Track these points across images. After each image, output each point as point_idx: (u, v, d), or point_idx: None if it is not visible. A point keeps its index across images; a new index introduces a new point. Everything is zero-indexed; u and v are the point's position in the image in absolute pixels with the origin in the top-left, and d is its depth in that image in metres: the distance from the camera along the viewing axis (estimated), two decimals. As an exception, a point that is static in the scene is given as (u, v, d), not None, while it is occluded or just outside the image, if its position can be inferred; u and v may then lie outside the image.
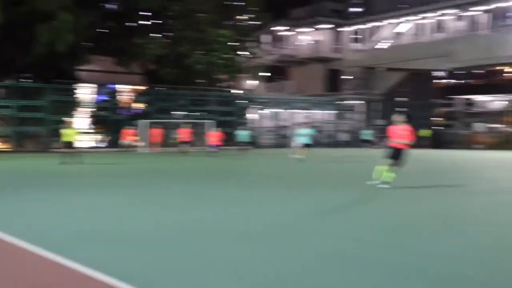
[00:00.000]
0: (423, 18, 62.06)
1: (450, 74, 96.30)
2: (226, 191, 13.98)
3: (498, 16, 56.78)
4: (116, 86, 44.63)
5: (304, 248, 7.05)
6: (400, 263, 6.33)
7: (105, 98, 44.42)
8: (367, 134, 50.57)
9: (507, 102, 59.24)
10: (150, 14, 46.52)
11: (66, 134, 24.76)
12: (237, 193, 13.63)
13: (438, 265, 6.24)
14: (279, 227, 8.65)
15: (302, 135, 27.10)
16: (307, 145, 26.83)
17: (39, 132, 39.35)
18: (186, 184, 15.75)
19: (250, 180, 18.05)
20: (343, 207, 11.23)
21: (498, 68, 65.46)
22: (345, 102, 59.41)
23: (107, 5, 49.91)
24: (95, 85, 45.44)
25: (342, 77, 68.83)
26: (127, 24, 46.21)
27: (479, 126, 57.71)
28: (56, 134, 40.25)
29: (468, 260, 6.53)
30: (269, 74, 69.20)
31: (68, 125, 25.89)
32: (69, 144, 24.54)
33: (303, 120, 51.67)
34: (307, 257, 6.55)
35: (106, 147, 42.52)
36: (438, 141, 54.41)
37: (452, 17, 59.21)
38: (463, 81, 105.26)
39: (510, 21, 59.92)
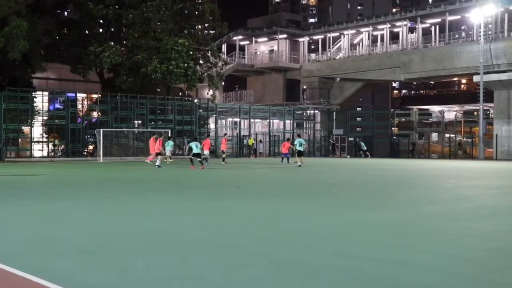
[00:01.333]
0: (377, 29, 63.19)
1: (407, 85, 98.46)
2: (188, 202, 13.75)
3: (450, 28, 58.28)
4: (73, 94, 43.78)
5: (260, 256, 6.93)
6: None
7: (61, 106, 43.51)
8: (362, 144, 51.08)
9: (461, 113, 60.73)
10: (105, 22, 45.94)
11: None
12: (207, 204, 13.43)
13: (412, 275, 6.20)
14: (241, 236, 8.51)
15: (297, 144, 30.82)
16: (300, 153, 30.46)
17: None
18: (151, 193, 15.45)
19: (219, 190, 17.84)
20: (304, 213, 11.16)
21: (452, 79, 67.17)
22: (304, 111, 59.79)
23: (63, 13, 49.16)
24: (50, 93, 44.51)
25: (301, 87, 69.39)
26: (82, 32, 45.48)
27: (434, 136, 58.93)
28: (9, 143, 39.49)
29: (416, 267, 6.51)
30: (227, 83, 69.25)
31: None
32: None
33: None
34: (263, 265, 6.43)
35: (61, 156, 41.60)
36: (394, 150, 55.30)
37: (405, 29, 60.43)
38: (418, 92, 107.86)
39: (462, 33, 61.66)
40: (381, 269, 6.25)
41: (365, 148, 50.60)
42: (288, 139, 41.91)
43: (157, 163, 28.77)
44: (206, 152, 30.13)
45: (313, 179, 21.98)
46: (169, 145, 31.67)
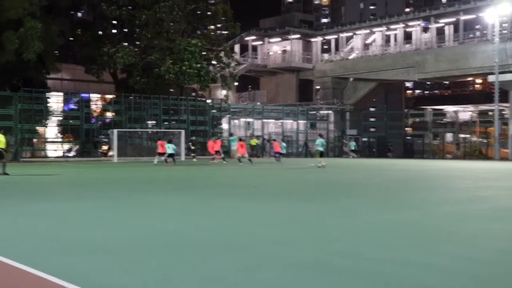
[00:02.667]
0: (391, 29, 62.90)
1: (420, 85, 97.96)
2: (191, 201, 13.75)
3: (464, 28, 57.89)
4: (87, 94, 44.03)
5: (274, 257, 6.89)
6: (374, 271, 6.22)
7: (75, 107, 43.78)
8: (352, 144, 50.97)
9: (475, 113, 60.25)
10: (119, 22, 46.15)
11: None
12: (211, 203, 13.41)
13: (419, 275, 6.14)
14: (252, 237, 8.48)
15: (318, 145, 30.68)
16: (321, 153, 30.27)
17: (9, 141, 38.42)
18: (165, 193, 15.47)
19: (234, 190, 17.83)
20: (320, 215, 11.11)
21: (466, 79, 66.68)
22: (317, 112, 59.66)
23: (76, 14, 49.46)
24: (64, 94, 44.82)
25: (314, 87, 69.30)
26: (96, 32, 45.73)
27: (448, 136, 58.51)
28: (25, 143, 39.78)
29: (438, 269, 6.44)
30: (240, 83, 69.29)
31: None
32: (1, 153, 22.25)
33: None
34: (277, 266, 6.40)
35: (75, 156, 41.82)
36: (408, 151, 54.98)
37: (419, 28, 60.11)
38: (432, 92, 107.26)
39: (476, 33, 61.20)
40: (396, 270, 6.19)
41: (353, 148, 50.48)
42: (274, 140, 43.92)
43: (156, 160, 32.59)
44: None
45: (327, 180, 21.90)
46: (171, 148, 32.50)
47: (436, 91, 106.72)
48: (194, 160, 37.68)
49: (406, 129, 63.72)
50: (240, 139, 37.60)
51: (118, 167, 30.41)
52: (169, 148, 32.51)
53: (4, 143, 22.24)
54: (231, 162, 33.25)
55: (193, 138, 39.93)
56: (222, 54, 49.59)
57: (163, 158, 32.59)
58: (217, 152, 35.55)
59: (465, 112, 64.89)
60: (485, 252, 7.28)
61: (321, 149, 30.43)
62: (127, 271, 6.11)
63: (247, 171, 27.66)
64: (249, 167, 30.54)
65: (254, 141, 48.25)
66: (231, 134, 46.76)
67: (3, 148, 22.13)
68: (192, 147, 39.50)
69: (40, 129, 41.42)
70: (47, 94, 41.48)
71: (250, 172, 27.02)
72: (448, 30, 59.43)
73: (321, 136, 33.86)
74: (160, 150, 33.07)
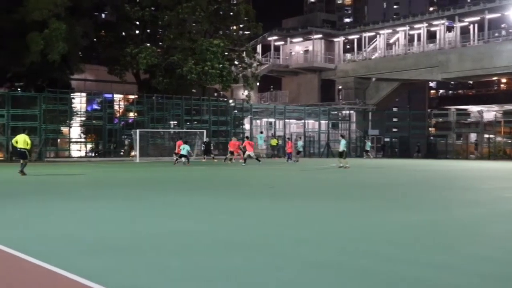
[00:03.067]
0: (414, 28, 62.36)
1: (444, 85, 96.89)
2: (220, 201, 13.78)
3: (489, 26, 57.15)
4: (110, 95, 44.41)
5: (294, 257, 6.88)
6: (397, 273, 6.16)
7: (98, 107, 44.19)
8: (368, 144, 50.71)
9: (500, 113, 59.38)
10: (141, 23, 46.46)
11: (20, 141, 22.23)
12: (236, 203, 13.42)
13: (430, 276, 6.07)
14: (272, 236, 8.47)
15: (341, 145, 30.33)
16: (341, 154, 29.82)
17: (33, 141, 38.91)
18: (185, 193, 15.54)
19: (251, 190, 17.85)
20: (341, 215, 11.06)
21: (491, 79, 65.81)
22: (339, 112, 59.40)
23: (100, 15, 49.89)
24: (88, 94, 45.27)
25: (336, 87, 69.01)
26: (119, 33, 46.09)
27: (472, 136, 57.80)
28: (49, 143, 40.27)
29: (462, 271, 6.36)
30: (262, 84, 69.27)
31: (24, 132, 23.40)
32: (23, 152, 22.16)
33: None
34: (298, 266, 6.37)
35: (97, 156, 42.21)
36: (432, 151, 54.45)
37: (443, 28, 59.50)
38: (456, 92, 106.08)
39: (501, 32, 60.37)
40: (417, 272, 6.14)
41: (368, 148, 50.09)
42: (288, 139, 43.68)
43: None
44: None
45: (348, 180, 21.78)
46: (185, 149, 32.73)
47: (460, 91, 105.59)
48: (204, 160, 37.34)
49: (430, 129, 63.11)
50: (247, 138, 37.43)
51: (140, 167, 30.61)
52: (183, 150, 32.75)
53: (28, 143, 22.32)
54: (248, 162, 33.08)
55: (207, 139, 39.69)
56: (244, 54, 49.64)
57: (177, 158, 33.06)
58: (231, 152, 35.41)
59: (490, 112, 63.97)
60: (509, 254, 7.19)
61: (343, 149, 30.05)
62: (148, 270, 6.14)
63: (265, 171, 27.65)
64: (261, 166, 30.50)
65: (274, 141, 48.16)
66: (261, 132, 46.87)
67: (27, 148, 22.24)
68: (208, 148, 39.03)
69: (64, 129, 41.88)
70: (71, 94, 41.91)
71: (267, 172, 27.00)
72: (473, 29, 58.72)
73: (343, 137, 33.44)
74: (177, 150, 33.65)
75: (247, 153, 32.84)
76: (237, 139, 38.23)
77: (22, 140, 22.08)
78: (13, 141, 22.99)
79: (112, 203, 12.74)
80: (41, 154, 38.30)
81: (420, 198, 14.63)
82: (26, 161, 22.05)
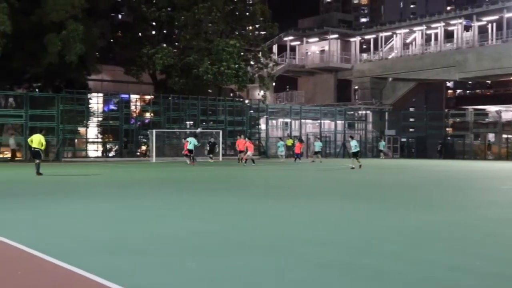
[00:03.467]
0: (431, 28, 61.91)
1: (461, 84, 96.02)
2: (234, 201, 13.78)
3: (508, 25, 56.53)
4: (126, 95, 44.67)
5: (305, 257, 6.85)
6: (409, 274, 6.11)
7: (115, 107, 44.46)
8: (381, 144, 50.46)
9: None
10: (158, 24, 46.67)
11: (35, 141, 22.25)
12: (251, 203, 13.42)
13: (440, 276, 6.01)
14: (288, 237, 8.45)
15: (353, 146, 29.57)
16: (355, 154, 29.26)
17: (50, 142, 39.31)
18: (199, 193, 15.57)
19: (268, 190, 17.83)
20: (356, 216, 11.00)
21: (509, 78, 65.08)
22: (355, 112, 59.17)
23: (117, 16, 50.22)
24: (105, 95, 45.58)
25: (352, 87, 68.75)
26: (135, 34, 46.33)
27: (490, 136, 57.23)
28: (66, 143, 40.60)
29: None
30: (278, 84, 69.19)
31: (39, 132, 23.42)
32: (37, 152, 22.22)
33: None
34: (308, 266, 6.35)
35: (114, 156, 42.46)
36: (449, 152, 54.02)
37: (460, 27, 58.97)
38: (474, 91, 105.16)
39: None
40: (433, 273, 6.08)
41: (382, 148, 49.75)
42: (301, 140, 43.47)
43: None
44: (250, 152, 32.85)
45: (364, 181, 21.67)
46: (191, 143, 32.48)
47: (478, 91, 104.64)
48: (211, 160, 36.54)
49: (447, 129, 62.61)
50: (249, 138, 36.79)
51: (156, 167, 30.74)
52: (190, 144, 32.27)
53: (43, 144, 22.34)
54: (267, 162, 33.10)
55: (211, 139, 39.57)
56: (260, 54, 49.65)
57: (192, 157, 32.66)
58: (240, 152, 35.09)
59: (508, 112, 63.33)
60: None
61: (355, 150, 29.40)
62: (164, 270, 6.16)
63: (280, 171, 27.62)
64: (284, 166, 30.46)
65: (290, 142, 48.12)
66: (280, 138, 46.50)
67: (41, 148, 22.30)
68: (212, 148, 38.42)
69: (81, 129, 42.20)
70: (88, 95, 42.21)
71: (283, 172, 26.97)
72: (491, 28, 58.14)
73: (352, 137, 32.61)
74: (185, 151, 33.35)
75: (248, 153, 32.43)
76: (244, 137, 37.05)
77: (37, 140, 22.17)
78: (29, 140, 23.22)
79: (128, 203, 12.81)
80: (58, 154, 38.62)
81: (438, 199, 14.51)
82: (40, 161, 22.17)
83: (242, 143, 35.09)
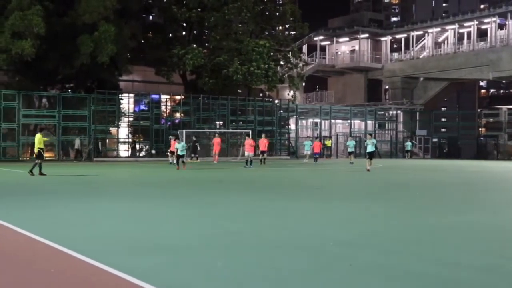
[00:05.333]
0: (464, 27, 61.00)
1: (495, 84, 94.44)
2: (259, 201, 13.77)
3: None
4: (157, 96, 45.03)
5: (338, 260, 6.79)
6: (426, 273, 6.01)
7: (146, 108, 44.85)
8: (408, 144, 49.99)
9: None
10: (188, 25, 46.91)
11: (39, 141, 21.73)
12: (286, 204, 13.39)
13: (463, 276, 5.90)
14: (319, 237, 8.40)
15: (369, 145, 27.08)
16: (370, 155, 26.85)
17: (82, 141, 39.91)
18: (227, 194, 15.61)
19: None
20: (380, 216, 10.89)
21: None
22: (386, 112, 58.64)
23: (148, 17, 50.65)
24: (136, 95, 46.00)
25: (383, 87, 68.13)
26: (166, 35, 46.63)
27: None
28: (98, 143, 41.11)
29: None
30: (308, 84, 68.99)
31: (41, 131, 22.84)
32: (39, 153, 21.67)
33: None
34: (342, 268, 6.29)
35: (145, 156, 42.80)
36: (482, 152, 53.18)
37: (494, 25, 57.95)
38: (508, 91, 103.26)
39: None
40: (467, 275, 5.98)
41: (409, 148, 49.08)
42: (317, 138, 43.09)
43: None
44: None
45: (393, 181, 21.46)
46: (181, 146, 28.03)
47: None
48: (190, 160, 35.65)
49: (480, 129, 61.64)
50: (248, 136, 34.94)
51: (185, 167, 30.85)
52: (180, 147, 27.85)
53: (41, 143, 21.67)
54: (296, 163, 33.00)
55: (194, 138, 38.71)
56: (290, 54, 49.54)
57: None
58: (263, 152, 33.10)
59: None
60: None
61: (372, 149, 26.92)
62: (192, 270, 6.18)
63: (308, 171, 27.50)
64: (312, 167, 30.32)
65: (329, 142, 48.25)
66: (309, 137, 46.39)
67: (42, 148, 21.79)
68: (195, 147, 37.98)
69: (112, 129, 42.68)
70: (119, 95, 42.65)
71: (311, 173, 26.85)
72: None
73: (371, 135, 30.70)
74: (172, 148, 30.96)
75: (246, 154, 30.29)
76: (266, 137, 35.72)
77: (37, 140, 21.73)
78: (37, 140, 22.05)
79: (156, 202, 12.90)
80: (90, 154, 39.13)
81: (468, 199, 14.29)
82: (41, 160, 21.60)
83: (264, 142, 33.40)
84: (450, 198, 14.76)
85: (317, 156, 37.40)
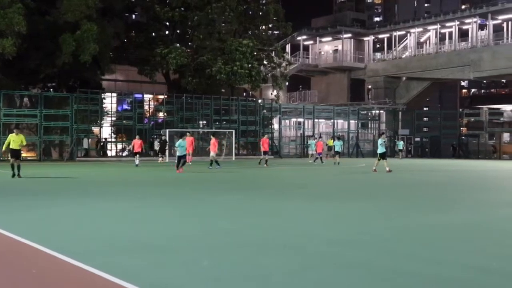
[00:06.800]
0: (446, 27, 61.51)
1: (476, 84, 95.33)
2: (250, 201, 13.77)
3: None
4: (140, 95, 44.82)
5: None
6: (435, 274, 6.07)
7: (129, 107, 44.63)
8: (399, 143, 50.17)
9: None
10: (171, 24, 46.76)
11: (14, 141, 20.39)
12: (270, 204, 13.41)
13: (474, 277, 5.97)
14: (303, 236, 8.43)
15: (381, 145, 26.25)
16: (382, 156, 25.89)
17: (64, 141, 39.62)
18: (216, 193, 15.59)
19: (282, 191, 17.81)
20: (385, 216, 10.96)
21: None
22: (369, 111, 58.92)
23: (131, 16, 50.41)
24: (118, 94, 45.76)
25: (365, 86, 68.48)
26: (149, 34, 46.45)
27: (505, 136, 56.80)
28: (80, 143, 40.82)
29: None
30: (291, 83, 69.11)
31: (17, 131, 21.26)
32: (16, 153, 20.51)
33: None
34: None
35: (127, 156, 42.59)
36: (463, 151, 53.68)
37: (475, 26, 58.52)
38: (489, 91, 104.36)
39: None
40: (453, 273, 6.03)
41: (400, 147, 49.23)
42: (320, 137, 42.68)
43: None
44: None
45: (381, 181, 21.57)
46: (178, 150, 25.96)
47: (493, 90, 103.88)
48: (160, 160, 35.76)
49: (461, 129, 62.20)
50: (213, 135, 32.12)
51: (170, 167, 30.75)
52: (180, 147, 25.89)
53: (19, 143, 20.52)
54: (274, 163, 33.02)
55: (163, 137, 38.05)
56: (273, 54, 49.61)
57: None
58: (265, 152, 31.87)
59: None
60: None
61: (383, 150, 26.03)
62: (178, 269, 6.17)
63: (297, 171, 27.55)
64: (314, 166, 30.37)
65: (330, 142, 48.33)
66: (313, 136, 46.26)
67: (18, 149, 20.60)
68: (163, 147, 37.29)
69: (95, 129, 42.41)
70: (102, 95, 42.40)
71: (301, 172, 26.91)
72: (506, 27, 57.67)
73: (338, 138, 31.01)
74: (135, 149, 30.56)
75: (211, 154, 28.41)
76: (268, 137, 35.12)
77: (19, 140, 20.50)
78: (9, 140, 20.74)
79: (143, 202, 12.85)
80: (72, 154, 38.85)
81: (452, 199, 14.41)
82: (19, 161, 20.65)
83: (266, 142, 32.16)
84: (437, 197, 14.87)
85: (320, 156, 36.72)
